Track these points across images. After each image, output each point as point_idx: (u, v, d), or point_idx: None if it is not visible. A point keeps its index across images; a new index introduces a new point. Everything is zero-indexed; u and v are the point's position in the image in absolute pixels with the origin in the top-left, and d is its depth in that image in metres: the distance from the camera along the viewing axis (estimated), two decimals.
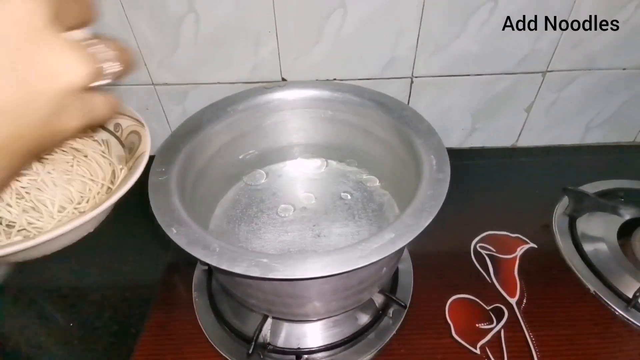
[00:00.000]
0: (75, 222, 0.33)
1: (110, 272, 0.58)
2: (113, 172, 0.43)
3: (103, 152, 0.41)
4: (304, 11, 0.56)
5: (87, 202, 0.40)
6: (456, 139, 0.73)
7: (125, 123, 0.42)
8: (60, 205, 0.38)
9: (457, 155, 0.72)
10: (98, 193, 0.40)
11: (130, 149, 0.42)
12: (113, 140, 0.45)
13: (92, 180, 0.38)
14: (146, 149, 0.40)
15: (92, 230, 0.39)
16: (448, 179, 0.39)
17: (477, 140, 0.73)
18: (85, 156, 0.37)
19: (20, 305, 0.55)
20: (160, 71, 0.62)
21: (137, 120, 0.43)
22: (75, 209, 0.39)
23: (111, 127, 0.46)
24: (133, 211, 0.61)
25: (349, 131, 0.53)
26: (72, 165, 0.38)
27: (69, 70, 0.16)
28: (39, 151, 0.18)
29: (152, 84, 0.63)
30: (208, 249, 0.34)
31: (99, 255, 0.59)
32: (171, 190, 0.39)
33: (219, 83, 0.63)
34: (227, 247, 0.34)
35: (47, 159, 0.42)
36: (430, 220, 0.36)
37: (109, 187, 0.39)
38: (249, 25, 0.57)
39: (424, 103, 0.66)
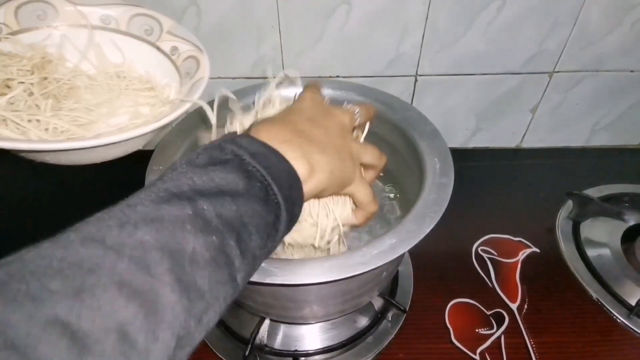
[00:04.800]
0: (135, 131, 0.31)
1: None
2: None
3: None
4: (307, 7, 0.55)
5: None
6: (459, 139, 0.72)
7: (183, 47, 0.39)
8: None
9: (460, 156, 0.70)
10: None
11: (187, 73, 0.39)
12: (167, 64, 0.41)
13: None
14: (205, 75, 0.38)
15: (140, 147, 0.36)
16: (452, 183, 0.38)
17: (481, 141, 0.72)
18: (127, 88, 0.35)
19: None
20: None
21: (196, 46, 0.40)
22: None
23: (167, 50, 0.42)
24: None
25: None
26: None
27: (359, 150, 0.33)
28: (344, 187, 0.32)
29: None
30: None
31: None
32: None
33: (219, 78, 0.62)
34: None
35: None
36: (432, 226, 0.35)
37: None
38: (252, 20, 0.56)
39: (428, 102, 0.65)
